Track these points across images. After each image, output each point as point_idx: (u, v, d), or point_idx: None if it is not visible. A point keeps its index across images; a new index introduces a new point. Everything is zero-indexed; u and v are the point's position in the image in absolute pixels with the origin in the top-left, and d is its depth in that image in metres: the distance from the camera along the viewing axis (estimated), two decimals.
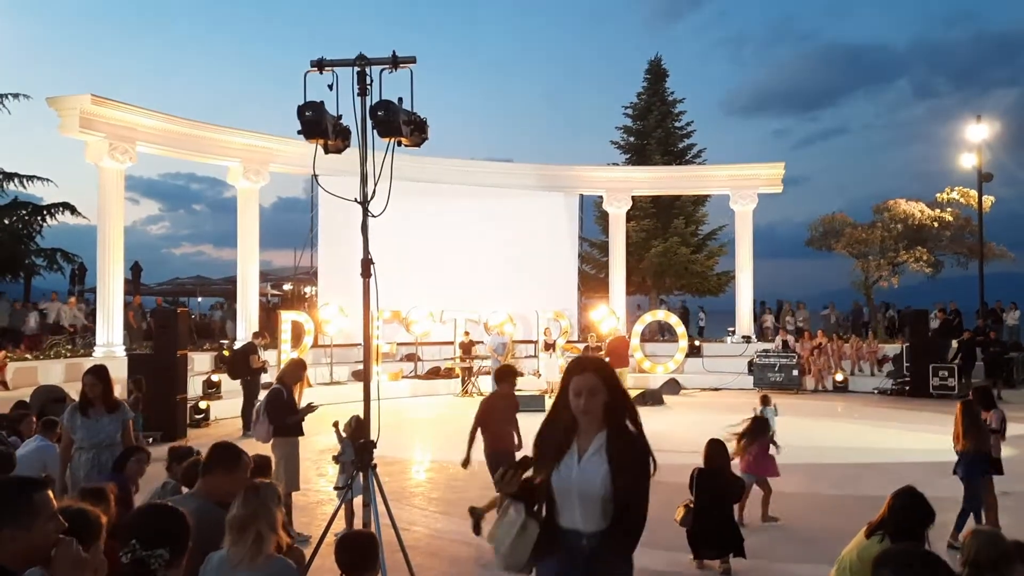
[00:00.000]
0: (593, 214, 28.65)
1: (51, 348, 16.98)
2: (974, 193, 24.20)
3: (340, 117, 5.09)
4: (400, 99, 5.06)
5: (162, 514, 2.69)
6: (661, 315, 23.24)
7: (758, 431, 8.33)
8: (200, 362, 17.65)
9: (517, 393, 17.49)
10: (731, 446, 7.68)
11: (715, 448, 6.84)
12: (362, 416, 5.61)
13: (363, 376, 5.52)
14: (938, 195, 27.19)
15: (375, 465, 5.39)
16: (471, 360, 19.90)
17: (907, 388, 18.99)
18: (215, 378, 16.27)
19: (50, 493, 2.49)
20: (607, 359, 18.32)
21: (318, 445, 11.45)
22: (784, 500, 9.22)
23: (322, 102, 5.03)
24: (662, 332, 24.60)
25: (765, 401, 12.00)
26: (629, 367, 19.03)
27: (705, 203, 30.33)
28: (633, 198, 24.10)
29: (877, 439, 13.48)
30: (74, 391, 9.20)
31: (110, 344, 16.45)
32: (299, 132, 5.03)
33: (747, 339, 22.44)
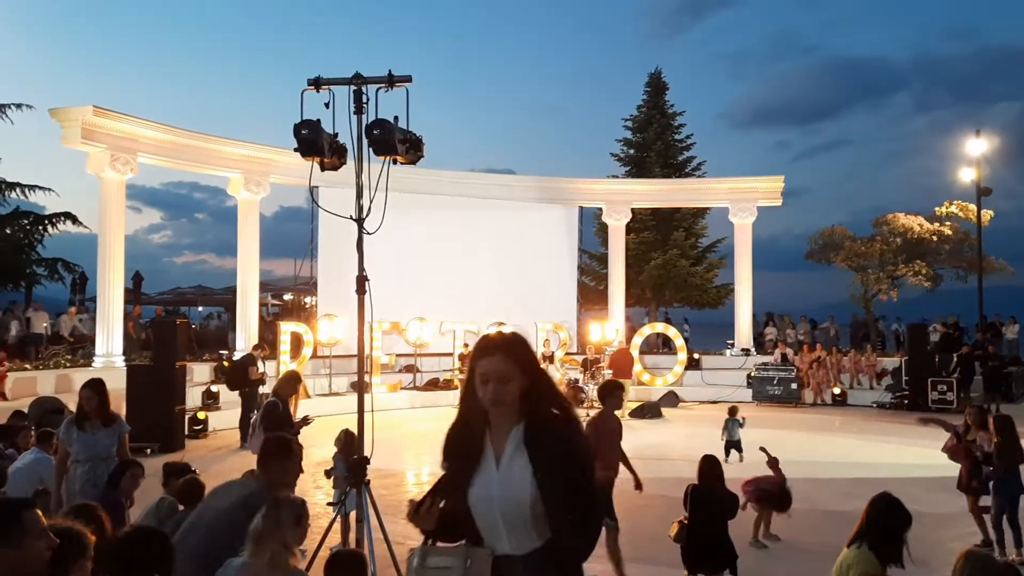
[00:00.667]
0: (593, 226, 28.71)
1: (51, 358, 17.00)
2: (973, 207, 24.26)
3: (336, 135, 5.14)
4: (396, 117, 5.11)
5: (150, 539, 2.71)
6: (660, 327, 23.26)
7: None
8: (200, 373, 17.68)
9: None
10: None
11: (709, 464, 6.84)
12: (355, 431, 5.63)
13: (359, 386, 5.54)
14: (937, 209, 27.27)
15: (368, 481, 5.41)
16: None
17: (906, 402, 18.99)
18: (215, 389, 16.29)
19: (39, 512, 2.52)
20: (610, 371, 18.37)
21: (315, 458, 11.42)
22: (779, 517, 9.23)
23: (319, 120, 5.08)
24: (661, 345, 24.61)
25: (732, 412, 12.11)
26: (631, 379, 19.05)
27: (705, 215, 30.38)
28: (633, 210, 24.16)
29: (875, 454, 13.47)
30: (72, 402, 9.22)
31: (110, 354, 16.48)
32: (295, 150, 5.08)
33: (746, 352, 22.45)
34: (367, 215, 5.11)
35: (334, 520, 6.63)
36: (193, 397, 15.49)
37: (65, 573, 2.47)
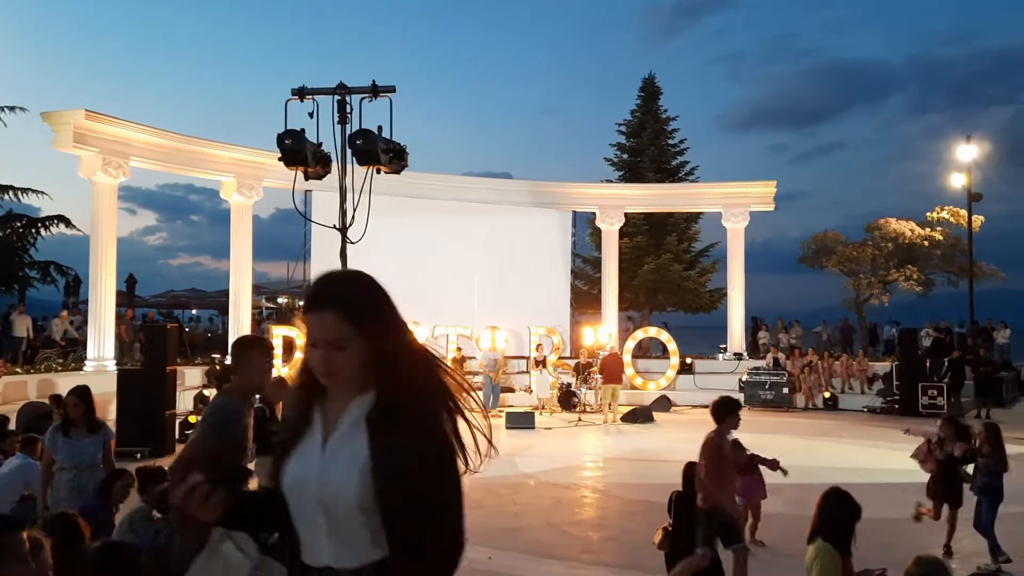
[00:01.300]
0: (586, 230, 28.75)
1: (42, 362, 16.98)
2: (964, 213, 24.36)
3: (321, 144, 5.17)
4: (380, 127, 5.14)
5: (118, 554, 2.70)
6: (653, 331, 23.29)
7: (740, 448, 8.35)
8: (192, 376, 17.66)
9: (510, 410, 17.76)
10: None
11: (693, 471, 6.86)
12: None
13: None
14: (928, 214, 27.37)
15: None
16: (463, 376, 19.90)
17: (896, 406, 19.04)
18: (207, 392, 16.27)
19: (24, 535, 2.45)
20: (600, 375, 18.40)
21: None
22: (767, 522, 9.25)
23: (303, 130, 5.11)
24: (653, 349, 24.65)
25: None
26: (623, 384, 19.07)
27: (698, 220, 30.46)
28: (626, 215, 24.19)
29: (865, 459, 13.51)
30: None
31: (101, 358, 16.46)
32: (279, 159, 5.11)
33: (739, 356, 22.49)
34: (351, 223, 5.13)
35: None
36: (185, 401, 15.47)
37: None
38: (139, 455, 11.96)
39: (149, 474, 5.61)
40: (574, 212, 24.20)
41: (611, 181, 30.51)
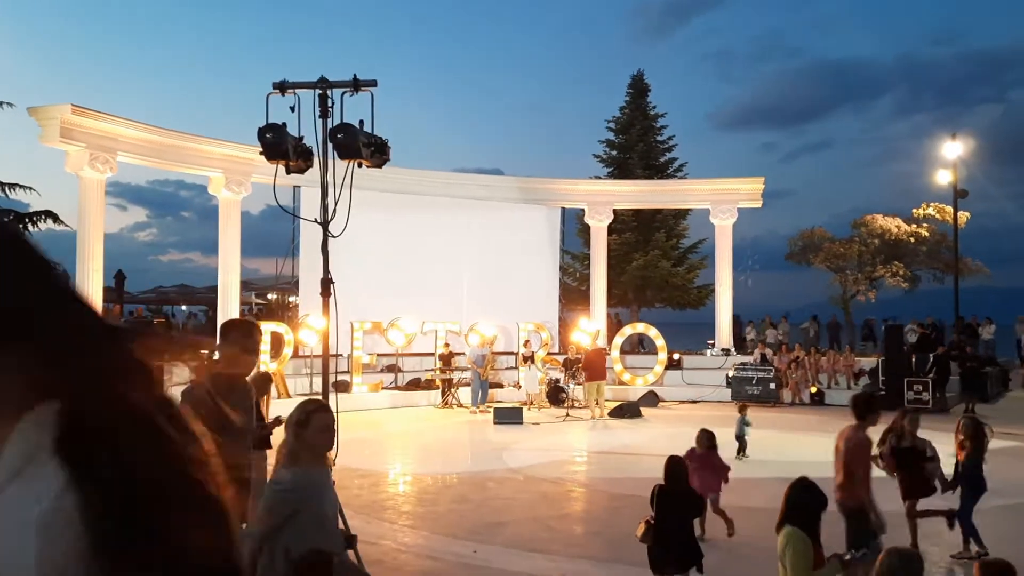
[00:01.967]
0: (575, 227, 28.82)
1: None
2: (950, 209, 24.51)
3: (302, 139, 5.19)
4: (361, 122, 5.17)
5: None
6: (641, 327, 23.37)
7: (711, 445, 8.41)
8: (180, 372, 17.62)
9: (498, 406, 17.80)
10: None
11: (674, 464, 6.92)
12: None
13: (323, 391, 5.58)
14: (915, 211, 27.53)
15: (333, 482, 5.44)
16: (451, 371, 19.96)
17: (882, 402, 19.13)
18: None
19: None
20: (584, 372, 18.45)
21: None
22: (751, 515, 9.31)
23: (284, 124, 5.13)
24: (641, 344, 24.73)
25: (741, 410, 12.29)
26: (607, 380, 19.12)
27: (686, 217, 30.56)
28: (615, 211, 24.26)
29: None
30: None
31: None
32: (260, 153, 5.13)
33: (726, 352, 22.59)
34: (333, 217, 5.16)
35: None
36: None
37: None
38: None
39: None
40: (563, 208, 24.26)
41: (600, 178, 30.57)
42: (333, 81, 5.16)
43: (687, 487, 6.90)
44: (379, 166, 5.37)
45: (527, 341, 20.61)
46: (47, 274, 0.93)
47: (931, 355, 20.25)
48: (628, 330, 22.98)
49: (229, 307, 19.47)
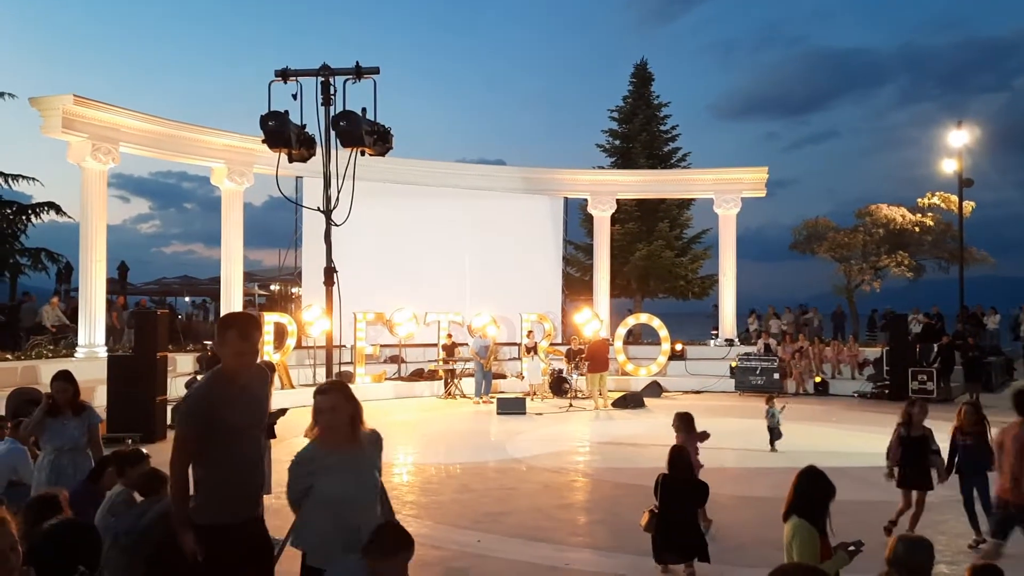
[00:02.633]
0: (578, 217, 28.75)
1: (33, 349, 16.95)
2: (955, 198, 24.39)
3: (304, 126, 5.15)
4: (364, 109, 5.13)
5: (75, 531, 2.67)
6: (644, 318, 23.32)
7: (689, 428, 8.28)
8: (183, 363, 17.65)
9: (501, 396, 17.81)
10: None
11: (678, 453, 6.92)
12: None
13: (327, 375, 5.56)
14: (919, 200, 27.43)
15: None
16: (454, 362, 19.96)
17: (886, 391, 19.13)
18: (200, 379, 16.24)
19: (9, 525, 2.41)
20: (587, 363, 18.42)
21: (294, 448, 11.45)
22: (755, 504, 9.33)
23: (286, 111, 5.09)
24: (644, 335, 24.70)
25: (768, 401, 12.25)
26: (609, 370, 19.11)
27: (690, 207, 30.48)
28: (618, 201, 24.20)
29: (855, 443, 13.57)
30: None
31: (92, 345, 16.43)
32: (263, 141, 5.09)
33: (730, 342, 22.56)
34: (335, 206, 5.13)
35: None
36: (176, 387, 15.46)
37: None
38: (129, 440, 11.95)
39: (126, 457, 5.55)
40: (566, 198, 24.19)
41: (603, 167, 30.50)
42: (335, 68, 5.12)
43: (691, 476, 6.90)
44: (382, 154, 5.34)
45: (530, 332, 20.60)
46: None
47: (935, 345, 20.21)
48: (631, 320, 22.94)
49: (232, 298, 19.47)
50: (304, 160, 5.32)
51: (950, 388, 19.21)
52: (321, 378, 19.02)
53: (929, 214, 27.09)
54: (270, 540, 4.18)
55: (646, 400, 18.40)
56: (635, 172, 26.78)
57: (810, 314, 26.18)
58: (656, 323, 22.31)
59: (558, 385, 19.79)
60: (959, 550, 7.41)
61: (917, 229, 26.68)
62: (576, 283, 28.28)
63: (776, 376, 20.07)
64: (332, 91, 5.10)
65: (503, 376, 20.74)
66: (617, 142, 31.92)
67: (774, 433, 12.24)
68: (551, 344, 21.45)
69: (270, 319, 18.72)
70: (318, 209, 5.03)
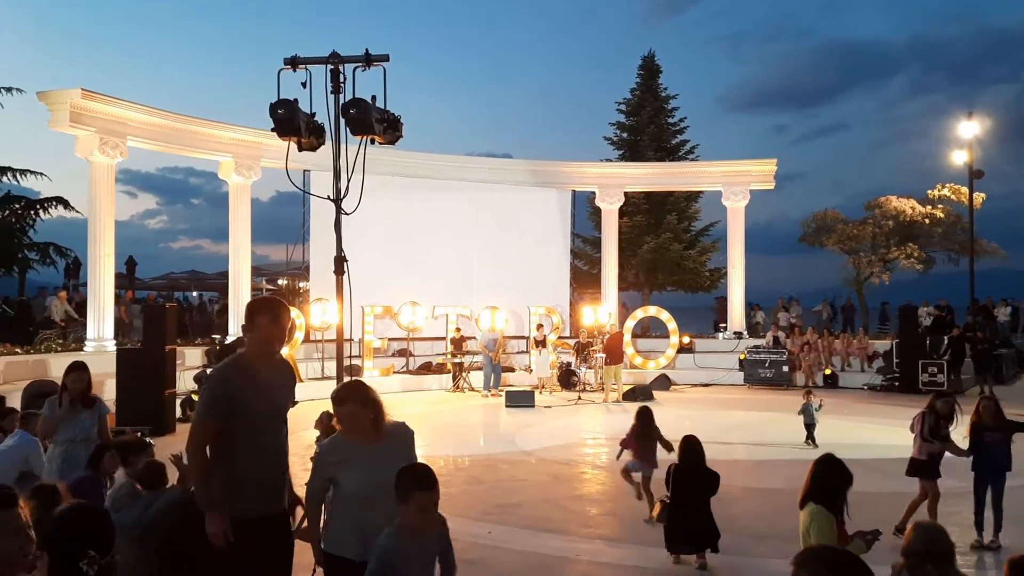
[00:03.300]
0: (586, 210, 28.66)
1: (42, 343, 16.99)
2: (965, 190, 24.24)
3: (314, 115, 5.12)
4: (374, 97, 5.09)
5: (84, 515, 2.63)
6: (653, 311, 23.27)
7: (645, 423, 8.27)
8: (192, 356, 17.68)
9: (510, 389, 17.80)
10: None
11: (689, 444, 6.89)
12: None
13: (337, 370, 5.54)
14: (929, 192, 27.26)
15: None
16: (462, 356, 19.94)
17: (896, 384, 19.05)
18: (210, 372, 16.27)
19: (19, 508, 2.41)
20: (604, 355, 18.42)
21: (306, 440, 11.45)
22: (767, 496, 9.30)
23: (296, 100, 5.06)
24: (653, 328, 24.63)
25: (807, 395, 12.19)
26: (624, 363, 19.08)
27: (698, 199, 30.36)
28: (626, 194, 24.13)
29: (865, 435, 13.52)
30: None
31: (101, 339, 16.46)
32: (272, 130, 5.06)
33: (739, 335, 22.49)
34: (346, 195, 5.10)
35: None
36: (185, 381, 15.51)
37: None
38: (140, 433, 11.97)
39: (129, 446, 5.53)
40: (574, 191, 24.12)
41: (610, 160, 30.40)
42: (345, 56, 5.09)
43: (703, 466, 6.86)
44: (392, 142, 5.30)
45: (539, 325, 20.57)
46: None
47: (945, 337, 20.11)
48: (640, 313, 22.88)
49: (240, 292, 19.48)
50: (313, 149, 5.28)
51: (960, 380, 19.13)
52: (330, 371, 19.06)
53: (939, 206, 26.92)
54: (292, 538, 4.05)
55: (655, 393, 18.37)
56: (643, 165, 26.68)
57: (819, 307, 26.09)
58: (665, 316, 22.27)
59: (567, 378, 19.78)
60: (967, 541, 7.37)
61: (927, 221, 26.52)
62: (584, 276, 28.21)
63: (785, 369, 20.01)
64: (342, 79, 5.05)
65: (511, 369, 20.72)
66: (625, 135, 31.80)
67: (810, 429, 12.14)
68: (559, 337, 21.41)
69: None
70: (328, 197, 4.99)
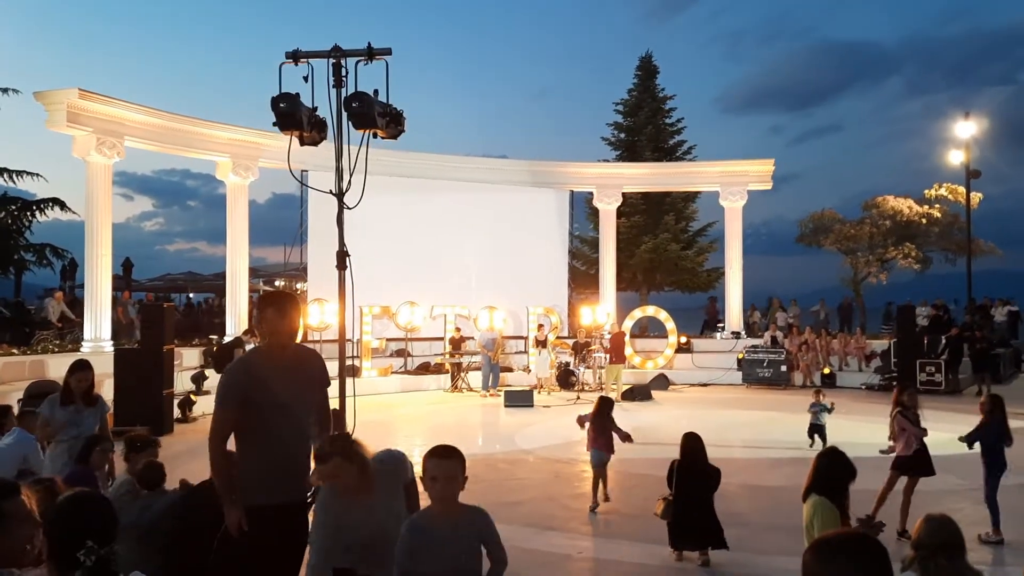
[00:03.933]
0: (584, 210, 28.66)
1: (39, 343, 16.93)
2: (962, 189, 24.29)
3: (316, 109, 5.10)
4: (376, 91, 5.07)
5: (83, 503, 2.59)
6: (651, 311, 23.26)
7: (604, 411, 8.71)
8: (189, 357, 17.63)
9: (508, 389, 17.80)
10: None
11: (691, 440, 6.88)
12: (337, 407, 5.59)
13: (339, 367, 5.52)
14: (926, 191, 27.30)
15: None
16: (461, 356, 19.91)
17: (894, 383, 19.00)
18: (207, 373, 16.23)
19: (25, 496, 2.47)
20: (609, 355, 18.44)
21: None
22: (767, 493, 9.29)
23: (298, 94, 5.04)
24: (651, 328, 24.62)
25: (817, 395, 12.16)
26: (625, 363, 19.08)
27: (696, 199, 30.37)
28: (623, 194, 24.12)
29: (864, 434, 13.46)
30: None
31: (98, 339, 16.41)
32: (274, 124, 5.04)
33: (736, 335, 22.49)
34: (348, 189, 5.08)
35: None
36: (183, 381, 15.46)
37: None
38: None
39: (135, 442, 5.52)
40: (572, 191, 24.11)
41: (608, 161, 30.40)
42: (347, 50, 5.07)
43: (704, 462, 6.85)
44: (394, 136, 5.28)
45: (540, 325, 20.54)
46: None
47: (943, 337, 20.12)
48: (638, 313, 22.87)
49: (238, 293, 19.44)
50: (315, 143, 5.26)
51: (958, 380, 19.14)
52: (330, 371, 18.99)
53: (936, 205, 26.96)
54: (307, 533, 4.01)
55: (653, 393, 18.36)
56: (641, 165, 26.68)
57: (817, 307, 26.06)
58: (663, 316, 22.27)
59: (565, 378, 19.77)
60: (970, 538, 7.35)
61: (924, 221, 26.56)
62: (582, 276, 28.19)
63: (783, 368, 20.01)
64: (344, 73, 5.03)
65: (510, 369, 20.69)
66: (622, 135, 31.81)
67: (818, 431, 12.06)
68: (558, 337, 21.39)
69: None
70: (330, 191, 4.96)
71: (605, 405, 8.85)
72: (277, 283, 31.52)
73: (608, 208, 23.63)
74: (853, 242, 27.24)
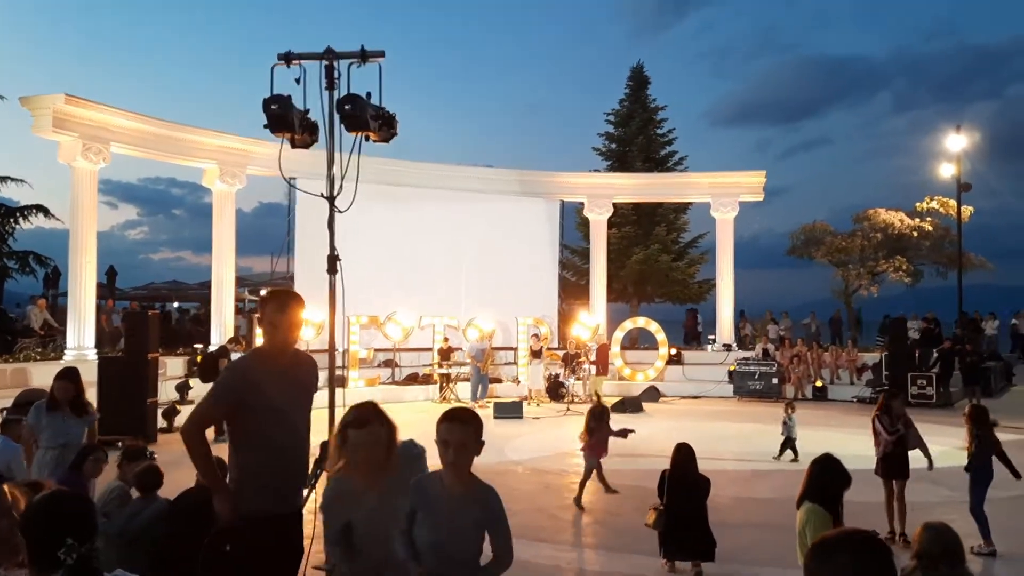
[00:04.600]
0: (574, 221, 28.61)
1: (21, 351, 16.70)
2: (953, 203, 24.36)
3: (307, 111, 4.99)
4: (368, 94, 4.97)
5: (62, 502, 2.48)
6: (642, 322, 23.18)
7: (600, 419, 9.29)
8: (173, 366, 17.40)
9: (498, 400, 17.66)
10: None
11: (682, 451, 6.80)
12: (328, 418, 5.45)
13: (329, 376, 5.38)
14: (918, 205, 27.39)
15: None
16: (449, 366, 19.74)
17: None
18: (191, 383, 16.04)
19: (3, 489, 2.47)
20: (594, 367, 18.35)
21: None
22: (761, 505, 9.20)
23: (289, 96, 4.94)
24: (642, 340, 24.56)
25: (788, 408, 12.14)
26: (608, 375, 18.99)
27: (687, 211, 30.39)
28: (614, 205, 24.07)
29: (856, 446, 13.38)
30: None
31: (81, 347, 16.19)
32: (265, 126, 4.93)
33: (728, 347, 22.43)
34: (339, 193, 4.96)
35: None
36: (167, 391, 15.26)
37: None
38: (120, 443, 11.72)
39: (130, 452, 5.47)
40: (562, 202, 24.03)
41: (599, 171, 30.36)
42: (340, 52, 4.96)
43: (695, 472, 6.76)
44: (387, 140, 5.18)
45: (535, 335, 20.41)
46: None
47: (935, 350, 20.12)
48: (628, 324, 22.78)
49: (223, 301, 19.25)
50: (307, 146, 5.15)
51: (949, 393, 19.13)
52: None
53: (927, 219, 27.05)
54: (302, 542, 3.86)
55: (644, 405, 18.25)
56: (632, 175, 26.66)
57: (807, 320, 26.08)
58: (654, 327, 22.17)
59: (555, 389, 19.64)
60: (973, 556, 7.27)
61: (915, 234, 26.64)
62: (572, 287, 28.11)
63: (775, 381, 19.96)
64: (336, 75, 4.92)
65: (499, 380, 20.54)
66: (613, 145, 31.81)
67: (791, 445, 12.01)
68: (548, 348, 21.26)
69: None
70: (321, 195, 4.85)
71: (604, 414, 9.34)
72: (263, 292, 31.27)
73: (599, 218, 23.57)
74: (844, 254, 27.30)
